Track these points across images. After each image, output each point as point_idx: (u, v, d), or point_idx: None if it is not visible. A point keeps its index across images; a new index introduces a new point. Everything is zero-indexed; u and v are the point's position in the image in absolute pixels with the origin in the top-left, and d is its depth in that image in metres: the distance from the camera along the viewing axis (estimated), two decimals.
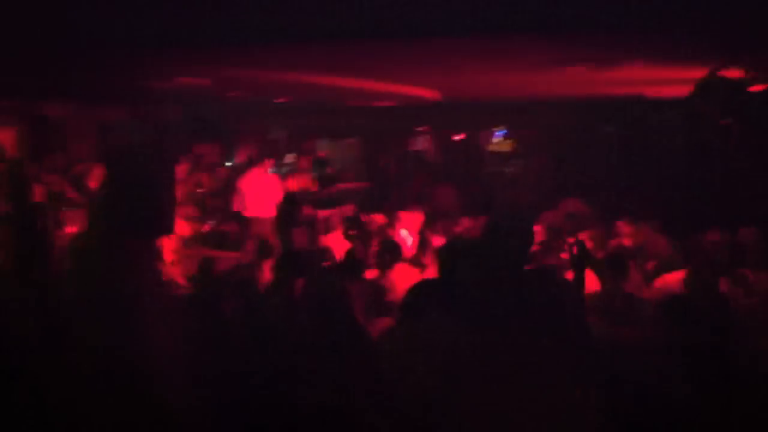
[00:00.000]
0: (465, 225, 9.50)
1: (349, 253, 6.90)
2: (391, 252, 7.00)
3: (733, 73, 7.54)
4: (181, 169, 10.97)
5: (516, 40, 6.72)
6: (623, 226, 8.14)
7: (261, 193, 10.20)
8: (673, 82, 8.80)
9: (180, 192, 10.59)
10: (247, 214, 10.18)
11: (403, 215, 9.13)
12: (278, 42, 6.86)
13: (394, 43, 6.82)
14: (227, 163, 11.80)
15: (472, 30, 6.28)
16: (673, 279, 6.21)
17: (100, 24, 6.12)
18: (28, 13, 5.83)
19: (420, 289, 4.65)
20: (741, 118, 8.10)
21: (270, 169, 10.54)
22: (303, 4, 5.72)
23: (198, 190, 11.37)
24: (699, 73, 7.87)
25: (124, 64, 8.05)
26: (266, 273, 6.90)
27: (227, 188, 10.53)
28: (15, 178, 8.72)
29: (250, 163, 11.03)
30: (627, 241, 7.62)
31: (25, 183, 8.54)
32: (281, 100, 13.52)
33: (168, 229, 8.25)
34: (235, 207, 10.26)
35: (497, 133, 15.66)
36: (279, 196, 10.08)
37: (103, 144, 9.68)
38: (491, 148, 15.76)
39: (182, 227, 8.96)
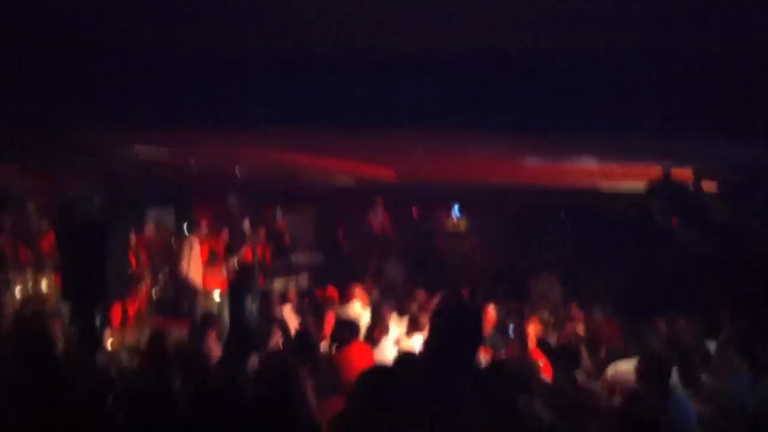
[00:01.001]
0: (419, 299, 9.53)
1: (302, 333, 6.83)
2: (347, 330, 6.95)
3: (683, 173, 7.81)
4: (139, 239, 10.85)
5: (473, 134, 6.88)
6: (575, 311, 8.23)
7: (210, 262, 10.08)
8: (625, 176, 9.07)
9: (134, 261, 10.49)
10: (195, 282, 10.02)
11: (358, 289, 9.12)
12: (240, 124, 6.94)
13: (354, 129, 6.94)
14: (182, 231, 11.66)
15: (430, 121, 6.43)
16: (625, 368, 6.26)
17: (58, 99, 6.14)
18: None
19: (372, 377, 4.63)
20: (688, 215, 8.36)
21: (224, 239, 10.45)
22: (268, 89, 5.83)
23: (152, 258, 11.24)
24: (652, 169, 8.14)
25: (81, 135, 8.05)
26: (212, 345, 6.80)
27: (177, 256, 10.39)
28: None
29: (205, 231, 10.93)
30: (579, 327, 7.69)
31: None
32: (238, 172, 13.54)
33: (120, 295, 8.13)
34: (183, 274, 10.10)
35: (453, 212, 15.81)
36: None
37: (58, 219, 9.56)
38: (447, 225, 15.90)
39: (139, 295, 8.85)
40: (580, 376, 5.81)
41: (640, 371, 5.25)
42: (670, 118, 5.90)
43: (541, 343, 6.61)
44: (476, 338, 3.41)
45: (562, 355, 5.92)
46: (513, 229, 13.76)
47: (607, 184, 10.51)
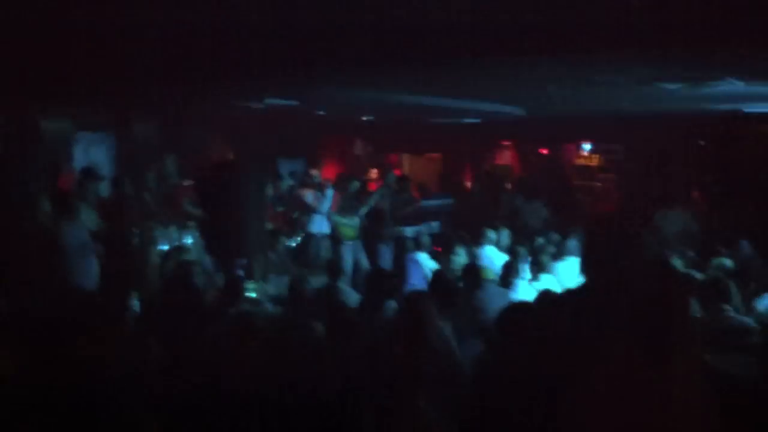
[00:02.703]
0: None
1: (439, 275, 6.83)
2: (476, 272, 6.92)
3: None
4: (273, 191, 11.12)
5: (605, 55, 6.56)
6: (721, 247, 7.87)
7: (342, 211, 10.19)
8: None
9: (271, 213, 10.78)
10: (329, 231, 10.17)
11: (490, 233, 9.07)
12: (365, 64, 6.90)
13: (478, 62, 6.75)
14: (313, 182, 11.86)
15: (557, 48, 6.17)
16: None
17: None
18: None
19: (513, 312, 4.58)
20: None
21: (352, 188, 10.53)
22: (389, 27, 5.73)
23: (287, 209, 11.52)
24: None
25: (211, 84, 8.22)
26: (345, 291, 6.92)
27: (309, 206, 10.57)
28: (114, 196, 9.05)
29: (335, 181, 11.08)
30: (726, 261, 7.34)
31: (123, 201, 8.86)
32: (365, 117, 13.60)
33: (261, 248, 8.35)
34: (314, 226, 10.27)
35: (584, 147, 15.36)
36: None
37: (197, 175, 9.90)
38: (578, 162, 15.47)
39: (278, 246, 9.07)
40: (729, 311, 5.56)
41: None
42: None
43: (687, 277, 6.34)
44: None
45: (710, 289, 5.66)
46: (649, 161, 13.22)
47: (753, 107, 9.89)
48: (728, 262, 7.22)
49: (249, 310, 5.83)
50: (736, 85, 7.53)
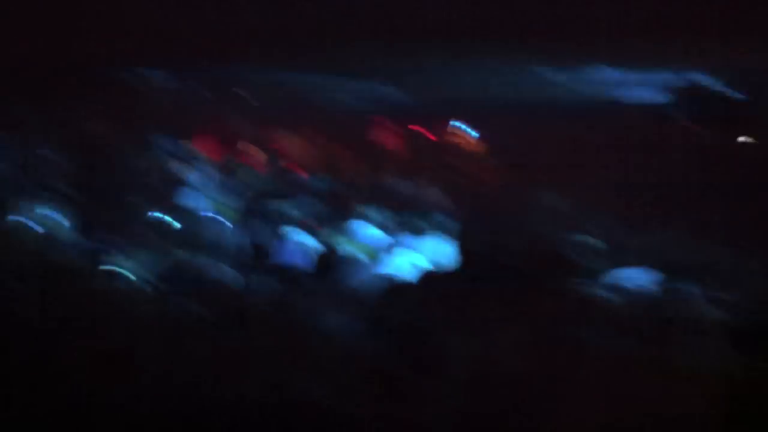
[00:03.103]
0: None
1: (316, 251, 6.80)
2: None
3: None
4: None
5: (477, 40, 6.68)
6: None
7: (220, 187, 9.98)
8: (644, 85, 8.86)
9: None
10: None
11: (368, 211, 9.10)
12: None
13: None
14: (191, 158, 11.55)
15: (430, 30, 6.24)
16: None
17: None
18: None
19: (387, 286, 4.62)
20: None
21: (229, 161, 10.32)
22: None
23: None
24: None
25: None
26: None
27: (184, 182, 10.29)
28: None
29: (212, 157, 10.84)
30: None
31: None
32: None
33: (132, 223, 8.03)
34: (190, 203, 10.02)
35: (463, 128, 15.58)
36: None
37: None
38: (452, 141, 15.69)
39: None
40: None
41: None
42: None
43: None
44: None
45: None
46: (531, 145, 13.56)
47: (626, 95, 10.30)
48: (590, 240, 7.54)
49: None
50: (609, 72, 7.82)
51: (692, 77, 8.00)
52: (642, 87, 9.23)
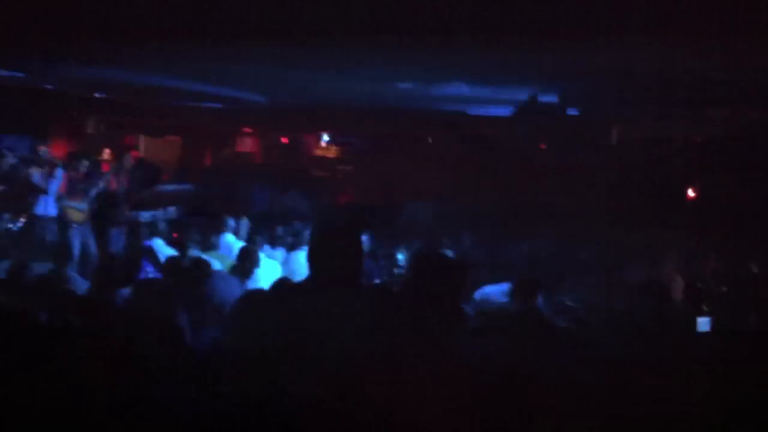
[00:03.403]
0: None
1: (174, 262, 6.69)
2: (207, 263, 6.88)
3: (550, 97, 8.02)
4: None
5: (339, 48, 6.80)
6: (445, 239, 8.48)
7: (71, 193, 9.62)
8: (494, 102, 9.26)
9: None
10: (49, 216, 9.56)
11: (232, 222, 9.02)
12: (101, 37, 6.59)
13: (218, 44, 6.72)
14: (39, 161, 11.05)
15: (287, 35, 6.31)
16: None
17: None
18: None
19: (247, 300, 4.62)
20: (557, 140, 8.67)
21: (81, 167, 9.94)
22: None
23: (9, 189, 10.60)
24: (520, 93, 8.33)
25: None
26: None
27: (34, 186, 9.84)
28: None
29: (64, 160, 10.42)
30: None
31: None
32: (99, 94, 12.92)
33: None
34: (39, 208, 9.61)
35: (323, 137, 15.77)
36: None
37: None
38: (318, 152, 15.86)
39: None
40: None
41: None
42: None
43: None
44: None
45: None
46: (383, 154, 13.88)
47: (477, 110, 10.73)
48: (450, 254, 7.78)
49: None
50: (462, 88, 8.13)
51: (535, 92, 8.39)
52: (492, 102, 9.63)
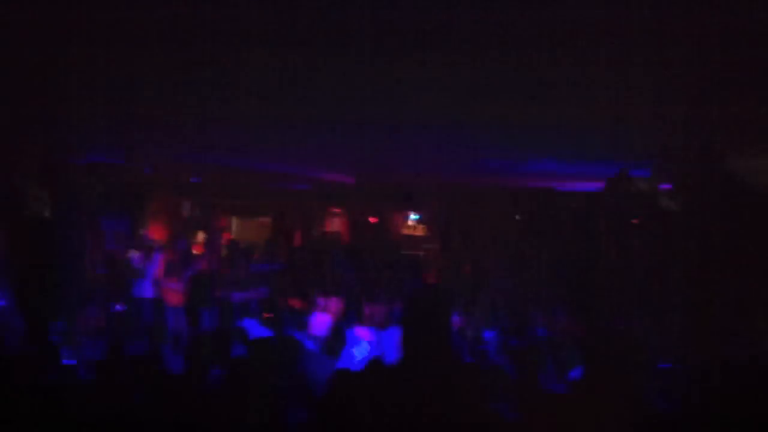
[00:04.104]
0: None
1: (265, 341, 6.73)
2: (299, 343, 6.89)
3: (640, 173, 7.88)
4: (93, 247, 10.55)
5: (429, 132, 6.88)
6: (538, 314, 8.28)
7: (168, 274, 9.89)
8: (583, 177, 9.15)
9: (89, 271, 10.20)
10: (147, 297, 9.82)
11: (322, 301, 9.05)
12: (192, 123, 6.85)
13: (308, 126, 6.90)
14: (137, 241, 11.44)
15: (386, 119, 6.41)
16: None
17: None
18: None
19: (339, 380, 4.58)
20: (648, 216, 8.45)
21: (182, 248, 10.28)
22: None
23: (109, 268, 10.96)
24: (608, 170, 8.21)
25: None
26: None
27: (133, 269, 10.16)
28: None
29: (161, 242, 10.77)
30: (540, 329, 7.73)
31: None
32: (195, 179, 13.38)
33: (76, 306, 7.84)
34: (138, 290, 9.88)
35: (411, 217, 15.82)
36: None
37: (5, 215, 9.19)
38: (405, 231, 15.89)
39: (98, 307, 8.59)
40: None
41: None
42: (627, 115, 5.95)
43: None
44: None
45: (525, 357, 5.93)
46: (469, 230, 13.80)
47: (565, 185, 10.63)
48: (542, 331, 7.60)
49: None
50: (549, 164, 8.07)
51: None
52: (581, 178, 9.50)
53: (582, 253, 10.94)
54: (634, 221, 8.44)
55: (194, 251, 11.43)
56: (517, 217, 13.54)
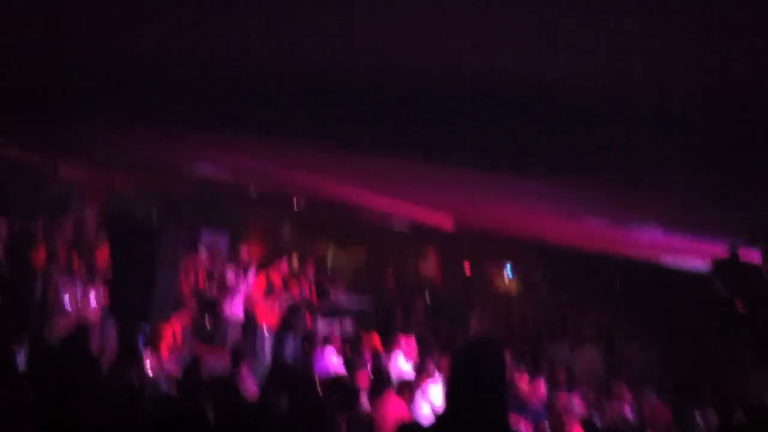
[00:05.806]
0: None
1: (339, 380, 6.68)
2: (383, 382, 6.80)
3: (752, 254, 7.49)
4: (190, 260, 10.74)
5: (534, 181, 6.73)
6: (624, 391, 7.94)
7: (267, 294, 10.01)
8: (690, 252, 8.76)
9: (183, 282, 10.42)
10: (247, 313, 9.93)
11: (403, 339, 8.96)
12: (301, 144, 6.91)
13: (412, 163, 6.85)
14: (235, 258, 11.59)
15: (493, 165, 6.32)
16: None
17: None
18: None
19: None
20: (758, 301, 8.02)
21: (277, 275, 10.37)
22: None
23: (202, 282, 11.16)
24: (717, 247, 7.84)
25: (149, 134, 8.06)
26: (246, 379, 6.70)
27: (227, 283, 10.30)
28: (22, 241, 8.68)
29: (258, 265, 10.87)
30: (627, 409, 7.40)
31: (32, 247, 8.50)
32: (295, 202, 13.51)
33: (165, 316, 8.02)
34: (228, 308, 10.01)
35: (506, 272, 15.54)
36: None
37: (111, 228, 9.52)
38: (498, 285, 15.62)
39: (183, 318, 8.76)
40: None
41: None
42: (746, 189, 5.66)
43: (587, 423, 6.35)
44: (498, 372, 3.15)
45: None
46: (564, 294, 13.46)
47: (670, 260, 10.20)
48: (629, 412, 7.27)
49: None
50: (656, 232, 7.77)
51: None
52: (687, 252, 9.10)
53: (687, 339, 10.50)
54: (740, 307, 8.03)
55: (290, 277, 11.53)
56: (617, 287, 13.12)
